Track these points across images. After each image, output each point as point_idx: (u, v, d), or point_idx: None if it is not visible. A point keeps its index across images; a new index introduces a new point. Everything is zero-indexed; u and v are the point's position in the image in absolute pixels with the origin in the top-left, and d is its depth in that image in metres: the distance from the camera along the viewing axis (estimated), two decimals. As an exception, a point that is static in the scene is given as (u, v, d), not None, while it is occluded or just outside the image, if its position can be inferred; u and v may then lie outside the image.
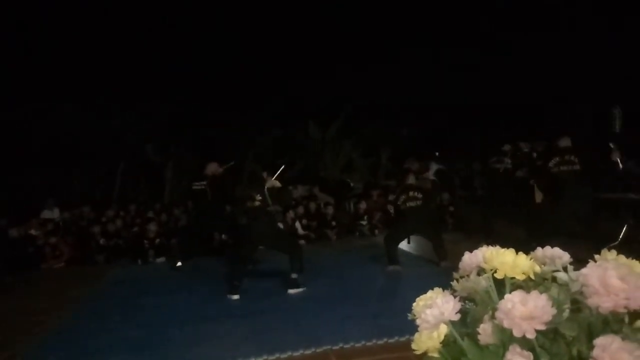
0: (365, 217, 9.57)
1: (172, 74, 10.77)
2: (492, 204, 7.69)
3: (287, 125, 12.26)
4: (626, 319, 0.68)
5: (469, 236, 7.72)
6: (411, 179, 6.30)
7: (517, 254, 0.78)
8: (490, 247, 0.83)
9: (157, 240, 7.68)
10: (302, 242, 8.14)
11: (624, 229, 6.08)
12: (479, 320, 0.83)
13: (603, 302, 0.63)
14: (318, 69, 11.81)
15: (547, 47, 10.98)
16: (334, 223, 9.28)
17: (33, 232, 8.03)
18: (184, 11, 10.67)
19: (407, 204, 6.02)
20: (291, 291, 5.13)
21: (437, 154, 12.22)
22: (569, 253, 0.87)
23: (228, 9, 10.91)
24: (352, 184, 12.05)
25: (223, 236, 8.04)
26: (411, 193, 6.04)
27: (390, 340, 3.47)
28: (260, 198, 5.29)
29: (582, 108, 10.98)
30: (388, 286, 5.47)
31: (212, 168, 7.04)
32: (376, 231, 9.38)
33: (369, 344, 3.48)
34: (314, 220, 9.32)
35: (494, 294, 0.81)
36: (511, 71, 11.12)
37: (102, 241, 7.96)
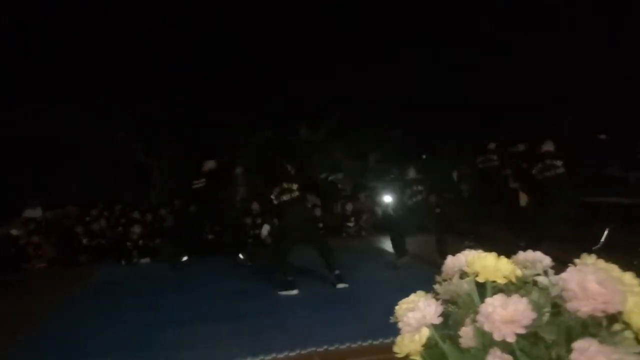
0: (352, 219, 9.60)
1: (163, 74, 10.65)
2: (480, 205, 7.77)
3: (279, 126, 12.24)
4: (604, 323, 0.69)
5: (456, 238, 7.75)
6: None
7: (501, 256, 0.79)
8: (473, 250, 0.83)
9: (141, 242, 7.59)
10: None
11: (606, 232, 6.20)
12: (460, 323, 0.83)
13: (582, 306, 0.63)
14: (312, 70, 11.78)
15: (541, 47, 11.07)
16: (321, 224, 9.28)
17: (14, 232, 7.89)
18: (178, 11, 10.55)
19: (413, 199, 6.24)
20: (339, 286, 5.20)
21: (424, 156, 12.31)
22: (556, 256, 0.88)
23: (220, 8, 10.84)
24: (340, 186, 12.08)
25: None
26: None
27: (375, 342, 3.47)
28: (296, 188, 5.42)
29: (567, 110, 11.15)
30: (374, 287, 5.47)
31: (210, 165, 7.09)
32: (363, 233, 9.41)
33: (354, 345, 3.48)
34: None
35: (476, 297, 0.82)
36: (503, 71, 11.20)
37: (85, 241, 7.86)
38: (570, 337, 0.70)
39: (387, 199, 10.46)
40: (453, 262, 0.86)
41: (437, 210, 9.38)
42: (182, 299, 5.19)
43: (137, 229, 7.61)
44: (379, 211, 10.40)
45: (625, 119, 10.11)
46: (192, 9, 10.59)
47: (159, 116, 10.78)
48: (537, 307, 0.73)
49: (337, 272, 5.33)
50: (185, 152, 11.11)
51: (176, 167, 11.47)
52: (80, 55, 10.19)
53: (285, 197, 5.42)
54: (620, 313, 0.65)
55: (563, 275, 0.69)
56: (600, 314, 0.63)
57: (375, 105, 12.04)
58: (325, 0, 11.48)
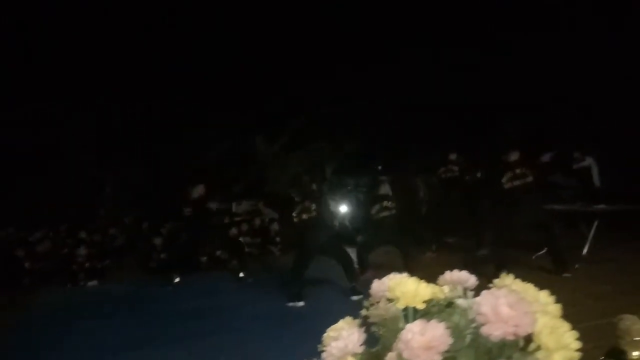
0: (310, 232, 9.56)
1: (117, 86, 10.33)
2: (442, 215, 7.92)
3: (235, 140, 12.10)
4: (521, 343, 0.70)
5: (419, 249, 7.85)
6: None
7: (421, 282, 0.79)
8: (397, 275, 0.83)
9: (87, 264, 7.24)
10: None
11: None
12: (388, 349, 0.83)
13: (494, 330, 0.64)
14: (273, 82, 11.74)
15: (531, 48, 11.36)
16: (278, 239, 9.20)
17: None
18: (139, 29, 10.29)
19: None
20: (354, 298, 5.17)
21: (379, 167, 12.49)
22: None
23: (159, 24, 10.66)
24: (297, 199, 12.02)
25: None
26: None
27: None
28: (314, 208, 5.56)
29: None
30: (332, 303, 5.41)
31: (199, 191, 7.06)
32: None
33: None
34: (258, 236, 9.20)
35: (402, 322, 0.81)
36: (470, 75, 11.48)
37: (27, 265, 7.41)
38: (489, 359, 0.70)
39: (343, 210, 10.51)
40: (379, 286, 0.85)
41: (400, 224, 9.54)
42: (132, 321, 4.99)
43: (82, 251, 7.24)
44: (336, 223, 10.42)
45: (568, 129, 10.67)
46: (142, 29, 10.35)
47: (116, 127, 10.40)
48: (457, 331, 0.74)
49: (354, 284, 5.35)
50: (141, 166, 10.78)
51: (130, 183, 11.11)
52: (25, 66, 9.73)
53: (305, 216, 5.61)
54: (531, 335, 0.66)
55: (477, 299, 0.69)
56: (511, 338, 0.64)
57: (331, 118, 12.13)
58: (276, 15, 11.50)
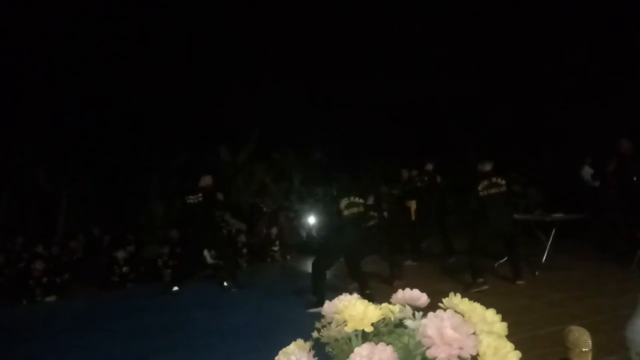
0: (277, 243, 9.52)
1: (67, 94, 10.00)
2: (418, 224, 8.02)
3: (197, 149, 11.91)
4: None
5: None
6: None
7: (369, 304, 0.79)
8: (347, 296, 0.83)
9: (45, 278, 6.92)
10: (209, 271, 7.85)
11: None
12: (341, 369, 0.82)
13: (439, 352, 0.65)
14: (229, 92, 11.70)
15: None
16: (245, 250, 9.09)
17: None
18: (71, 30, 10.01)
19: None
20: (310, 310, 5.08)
21: (349, 176, 12.55)
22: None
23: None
24: (265, 209, 11.94)
25: (211, 253, 7.82)
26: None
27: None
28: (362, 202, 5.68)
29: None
30: (300, 317, 5.34)
31: (207, 180, 6.97)
32: (288, 257, 9.35)
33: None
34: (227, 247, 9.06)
35: (354, 344, 0.81)
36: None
37: (-21, 281, 7.04)
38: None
39: (312, 220, 10.51)
40: (331, 307, 0.85)
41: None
42: (89, 339, 4.78)
43: (39, 265, 6.92)
44: (303, 233, 10.42)
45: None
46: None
47: (64, 141, 10.04)
48: (406, 353, 0.74)
49: (368, 291, 5.31)
50: (95, 178, 10.46)
51: (88, 195, 10.75)
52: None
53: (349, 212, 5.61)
54: (475, 356, 0.67)
55: (423, 320, 0.70)
56: (456, 360, 0.65)
57: (294, 127, 12.17)
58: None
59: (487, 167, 5.81)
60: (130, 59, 10.68)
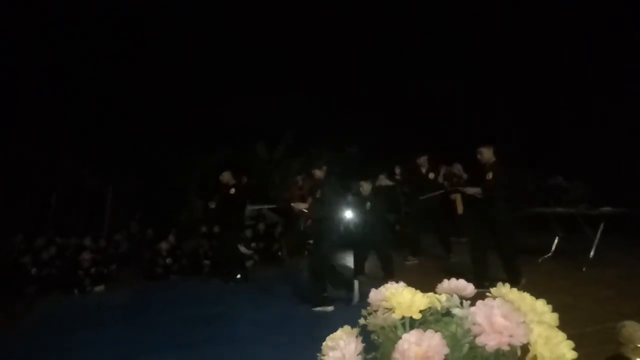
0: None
1: (111, 95, 10.39)
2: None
3: (236, 146, 12.14)
4: (517, 353, 0.70)
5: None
6: None
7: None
8: (394, 284, 0.84)
9: (93, 269, 7.27)
10: (249, 262, 8.04)
11: (555, 241, 6.44)
12: (387, 356, 0.83)
13: (489, 340, 0.65)
14: (265, 91, 11.83)
15: None
16: (278, 245, 9.23)
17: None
18: (113, 32, 10.39)
19: None
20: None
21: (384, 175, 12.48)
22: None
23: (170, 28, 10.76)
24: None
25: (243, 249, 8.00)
26: None
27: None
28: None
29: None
30: (343, 308, 5.35)
31: (227, 177, 7.26)
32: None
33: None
34: (262, 241, 9.22)
35: (400, 331, 0.82)
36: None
37: (34, 271, 7.44)
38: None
39: (348, 215, 10.48)
40: (377, 295, 0.86)
41: (397, 227, 9.51)
42: (136, 328, 4.98)
43: (87, 256, 7.26)
44: (341, 228, 10.40)
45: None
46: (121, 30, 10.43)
47: (110, 141, 10.45)
48: (454, 341, 0.74)
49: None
50: (138, 176, 10.82)
51: (130, 192, 11.14)
52: (22, 83, 9.82)
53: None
54: (526, 344, 0.67)
55: (472, 309, 0.70)
56: (506, 347, 0.65)
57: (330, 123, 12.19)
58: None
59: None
60: (171, 59, 10.98)
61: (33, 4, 9.67)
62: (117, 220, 10.43)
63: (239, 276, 6.98)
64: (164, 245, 8.04)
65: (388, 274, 6.03)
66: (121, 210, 10.70)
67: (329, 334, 0.88)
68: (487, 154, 5.27)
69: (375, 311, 0.89)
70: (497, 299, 0.70)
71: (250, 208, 11.27)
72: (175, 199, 11.09)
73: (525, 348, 0.70)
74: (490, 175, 5.25)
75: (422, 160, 7.53)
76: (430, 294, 0.83)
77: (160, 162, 11.05)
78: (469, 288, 0.89)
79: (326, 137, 12.04)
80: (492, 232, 5.17)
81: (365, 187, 6.61)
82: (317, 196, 5.60)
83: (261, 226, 9.55)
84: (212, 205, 7.78)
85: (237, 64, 11.46)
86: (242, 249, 8.19)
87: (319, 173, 5.64)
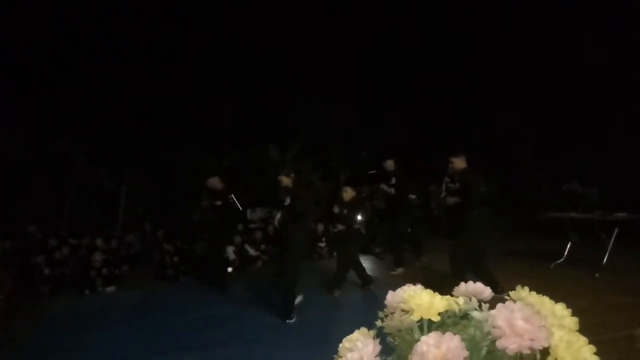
0: (323, 239, 9.56)
1: (126, 97, 10.49)
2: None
3: (246, 149, 12.19)
4: (538, 357, 0.70)
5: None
6: None
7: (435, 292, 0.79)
8: (411, 286, 0.83)
9: (105, 269, 7.33)
10: (258, 263, 8.08)
11: (569, 246, 6.36)
12: (404, 359, 0.83)
13: (510, 343, 0.64)
14: (277, 94, 11.85)
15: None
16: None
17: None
18: (124, 32, 10.47)
19: None
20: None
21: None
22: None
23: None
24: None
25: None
26: None
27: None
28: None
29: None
30: (351, 312, 5.38)
31: (215, 183, 7.24)
32: (335, 254, 9.36)
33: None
34: (272, 243, 9.23)
35: (417, 334, 0.81)
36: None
37: (47, 271, 7.53)
38: (506, 372, 0.70)
39: (359, 217, 10.45)
40: (394, 297, 0.85)
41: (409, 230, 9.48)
42: (148, 329, 5.01)
43: (98, 256, 7.33)
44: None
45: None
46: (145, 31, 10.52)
47: (123, 140, 10.55)
48: (472, 344, 0.74)
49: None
50: (151, 176, 10.91)
51: (144, 192, 11.24)
52: (39, 78, 9.96)
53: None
54: (547, 348, 0.66)
55: (492, 312, 0.69)
56: (527, 351, 0.64)
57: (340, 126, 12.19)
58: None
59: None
60: (184, 63, 11.07)
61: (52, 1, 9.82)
62: (130, 220, 10.53)
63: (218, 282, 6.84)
64: (169, 247, 8.12)
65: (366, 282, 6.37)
66: (133, 211, 10.80)
67: (343, 337, 0.88)
68: (458, 163, 5.26)
69: (392, 313, 0.89)
70: (517, 302, 0.69)
71: (260, 210, 11.35)
72: (188, 201, 11.18)
73: (545, 352, 0.70)
74: (458, 185, 5.31)
75: (389, 163, 7.51)
76: (448, 296, 0.82)
77: (175, 164, 11.14)
78: (486, 291, 0.89)
79: (337, 139, 12.07)
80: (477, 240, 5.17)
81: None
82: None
83: (271, 228, 9.56)
84: (198, 216, 7.78)
85: (247, 66, 11.49)
86: (250, 250, 8.22)
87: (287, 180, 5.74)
